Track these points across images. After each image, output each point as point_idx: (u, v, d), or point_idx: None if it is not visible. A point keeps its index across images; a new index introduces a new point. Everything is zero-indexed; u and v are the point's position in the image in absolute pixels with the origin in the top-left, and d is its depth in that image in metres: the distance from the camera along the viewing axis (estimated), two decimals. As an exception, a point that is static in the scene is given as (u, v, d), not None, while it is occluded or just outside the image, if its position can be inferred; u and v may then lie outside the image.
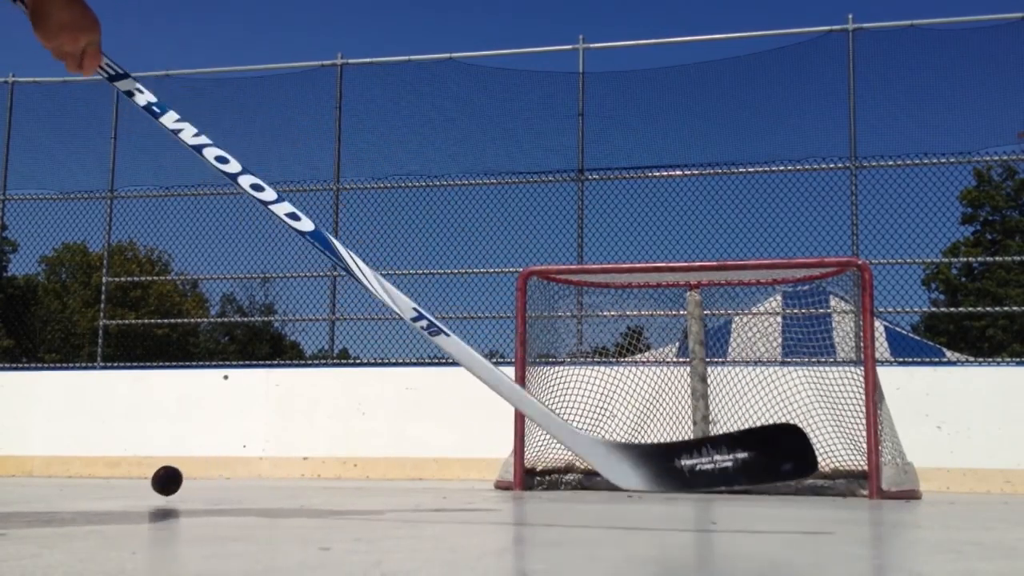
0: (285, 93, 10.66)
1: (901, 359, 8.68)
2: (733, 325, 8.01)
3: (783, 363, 7.01)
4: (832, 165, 9.23)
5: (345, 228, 10.13)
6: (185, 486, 4.30)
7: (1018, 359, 13.11)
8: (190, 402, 9.25)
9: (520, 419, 6.39)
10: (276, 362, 13.78)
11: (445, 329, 2.64)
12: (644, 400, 6.85)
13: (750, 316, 7.79)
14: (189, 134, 2.68)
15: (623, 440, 6.72)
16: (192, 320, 26.99)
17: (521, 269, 7.21)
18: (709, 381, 6.55)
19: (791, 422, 6.31)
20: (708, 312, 7.02)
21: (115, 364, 10.41)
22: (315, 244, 2.73)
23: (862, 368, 6.15)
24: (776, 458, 2.55)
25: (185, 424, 9.14)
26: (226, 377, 9.36)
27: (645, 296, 7.33)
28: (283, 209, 2.76)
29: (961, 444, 7.70)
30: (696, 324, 6.64)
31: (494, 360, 10.19)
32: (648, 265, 7.28)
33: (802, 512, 4.10)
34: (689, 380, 6.62)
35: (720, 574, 1.91)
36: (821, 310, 7.52)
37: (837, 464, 6.14)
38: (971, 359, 11.56)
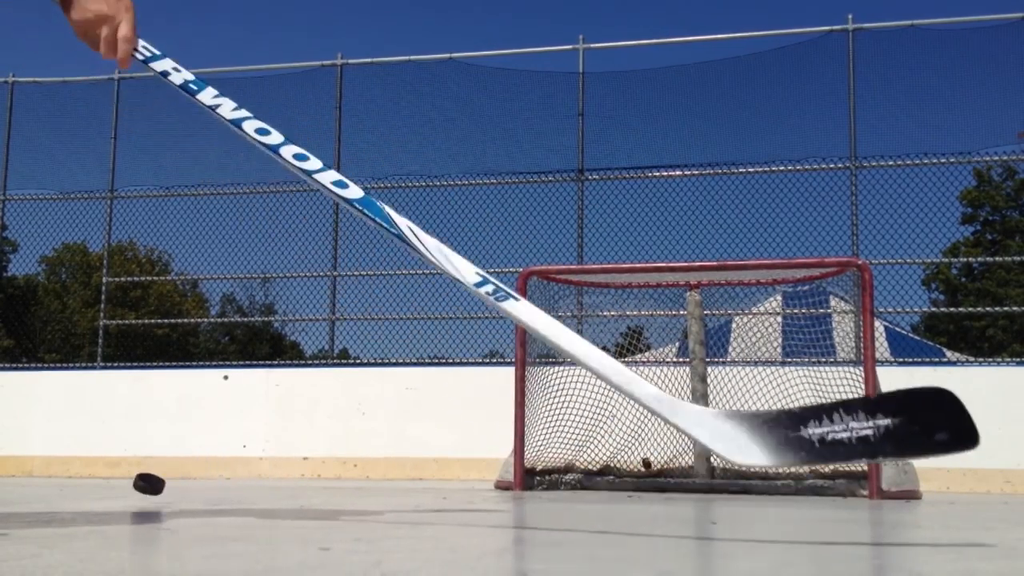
0: (285, 93, 10.66)
1: (901, 359, 8.69)
2: (733, 325, 8.01)
3: (783, 363, 7.00)
4: (832, 165, 9.23)
5: (345, 228, 10.13)
6: (185, 486, 4.30)
7: (1018, 359, 13.11)
8: (190, 402, 9.25)
9: (520, 419, 6.39)
10: (276, 362, 13.79)
11: (514, 293, 2.38)
12: (644, 400, 6.84)
13: (750, 316, 7.79)
14: (228, 108, 2.62)
15: (627, 440, 6.73)
16: (192, 320, 27.00)
17: (521, 269, 7.21)
18: (709, 381, 6.55)
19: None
20: (708, 312, 7.01)
21: (115, 364, 10.42)
22: (364, 212, 2.52)
23: (862, 368, 6.14)
24: (928, 427, 2.25)
25: (185, 424, 9.14)
26: (226, 377, 9.36)
27: (645, 296, 7.33)
28: (329, 177, 2.54)
29: (961, 444, 7.70)
30: (696, 324, 6.64)
31: (494, 360, 10.18)
32: (648, 265, 7.28)
33: (802, 512, 4.10)
34: (689, 380, 6.62)
35: (720, 574, 1.91)
36: (821, 310, 7.52)
37: (837, 464, 6.14)
38: (971, 359, 11.57)
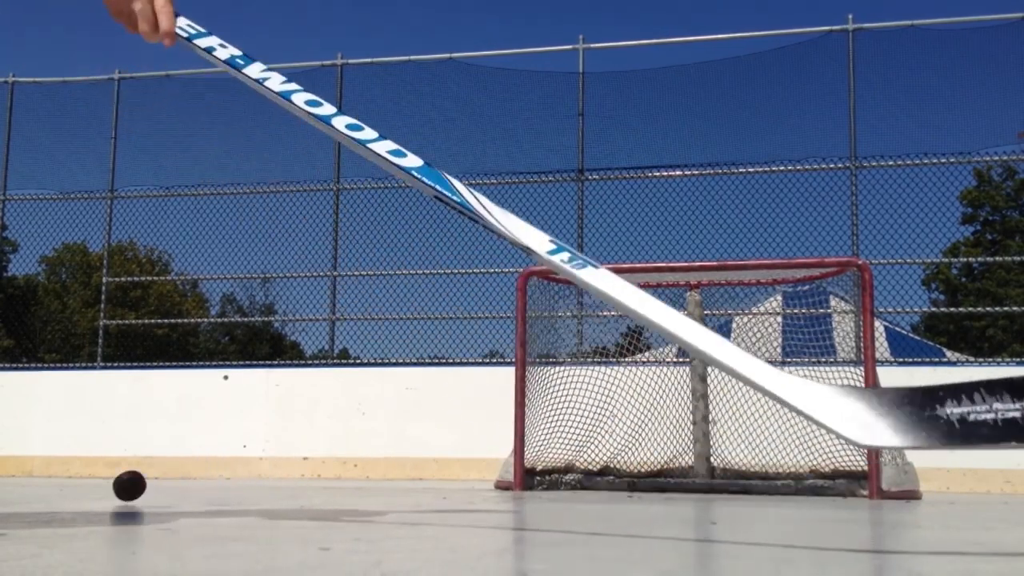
0: (285, 93, 10.65)
1: (901, 359, 8.69)
2: (733, 325, 8.01)
3: (783, 363, 7.00)
4: (832, 165, 9.23)
5: (345, 228, 10.13)
6: (185, 486, 4.30)
7: (1018, 359, 13.10)
8: (190, 402, 9.26)
9: (520, 419, 6.39)
10: (276, 362, 13.79)
11: (592, 261, 2.21)
12: (644, 400, 6.85)
13: (750, 316, 7.79)
14: (277, 82, 2.51)
15: (627, 440, 6.73)
16: (192, 320, 27.00)
17: (521, 269, 7.21)
18: (709, 381, 6.55)
19: (792, 420, 6.32)
20: (708, 312, 7.01)
21: (115, 364, 10.42)
22: (423, 181, 2.37)
23: (862, 368, 6.15)
24: None
25: (185, 424, 9.14)
26: (226, 377, 9.36)
27: (645, 296, 7.32)
28: (385, 147, 2.44)
29: (961, 444, 7.69)
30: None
31: (494, 360, 10.18)
32: (648, 265, 7.28)
33: (802, 512, 4.10)
34: (689, 380, 6.62)
35: (720, 574, 1.91)
36: (821, 310, 7.52)
37: (837, 464, 6.14)
38: (971, 359, 11.57)
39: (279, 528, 2.77)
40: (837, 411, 1.96)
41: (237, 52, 2.57)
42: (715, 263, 6.72)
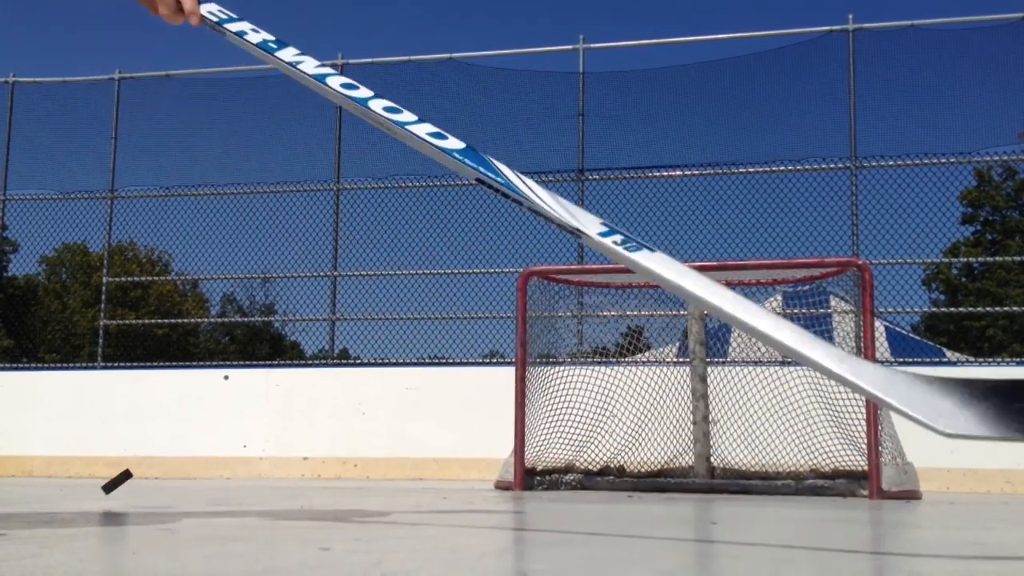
0: (285, 93, 10.66)
1: (901, 359, 8.69)
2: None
3: (783, 363, 7.00)
4: (832, 165, 9.23)
5: (345, 228, 10.13)
6: (185, 486, 4.30)
7: (1018, 359, 13.10)
8: (190, 402, 9.25)
9: (520, 419, 6.39)
10: (276, 362, 13.78)
11: (647, 244, 2.10)
12: (644, 400, 6.85)
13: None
14: (311, 65, 2.46)
15: (627, 440, 6.73)
16: (192, 320, 27.00)
17: (521, 269, 7.21)
18: (709, 381, 6.55)
19: (792, 420, 6.33)
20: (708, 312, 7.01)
21: (115, 364, 10.42)
22: (465, 163, 2.29)
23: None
24: None
25: (185, 424, 9.14)
26: (226, 377, 9.36)
27: (645, 296, 7.33)
28: (424, 129, 2.34)
29: (961, 444, 7.66)
30: (696, 324, 6.64)
31: (494, 360, 10.17)
32: (648, 265, 7.26)
33: (802, 512, 4.10)
34: (689, 380, 6.62)
35: (720, 574, 1.92)
36: (821, 310, 7.52)
37: (837, 464, 6.14)
38: (971, 359, 11.57)
39: (279, 528, 2.77)
40: (915, 398, 1.86)
41: (270, 37, 2.52)
42: (715, 263, 6.72)
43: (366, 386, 9.05)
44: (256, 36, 2.51)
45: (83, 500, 4.22)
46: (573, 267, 8.40)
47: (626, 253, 2.07)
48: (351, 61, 10.21)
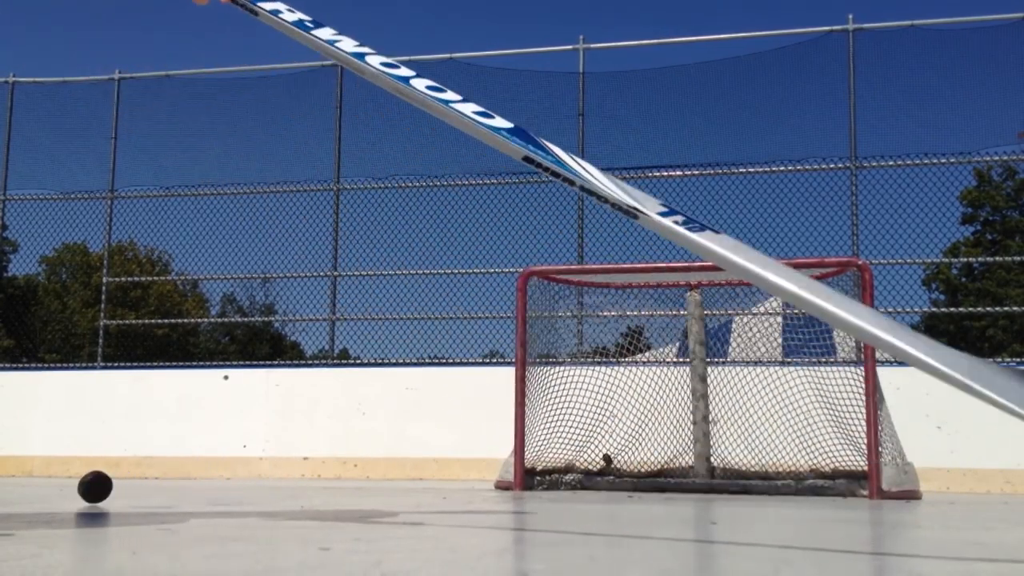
0: (285, 93, 10.66)
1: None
2: (733, 325, 8.01)
3: (783, 363, 7.00)
4: (832, 165, 9.23)
5: (345, 228, 10.13)
6: (185, 486, 4.30)
7: (1018, 359, 13.10)
8: (190, 402, 9.25)
9: (520, 419, 6.39)
10: (276, 362, 13.78)
11: (709, 225, 1.97)
12: (644, 400, 6.85)
13: (750, 316, 7.79)
14: (349, 44, 2.38)
15: (627, 440, 6.72)
16: (192, 320, 27.00)
17: (521, 269, 7.20)
18: (709, 381, 6.55)
19: (792, 420, 6.33)
20: (708, 312, 7.01)
21: (115, 364, 10.42)
22: (514, 141, 2.20)
23: (862, 368, 6.15)
24: None
25: (185, 424, 9.14)
26: (226, 377, 9.36)
27: (645, 296, 7.33)
28: (470, 108, 2.26)
29: (961, 444, 7.70)
30: (696, 324, 6.64)
31: (494, 360, 10.15)
32: (648, 265, 7.27)
33: (802, 512, 4.10)
34: (689, 380, 6.62)
35: (720, 574, 1.92)
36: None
37: (837, 464, 6.14)
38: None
39: (279, 528, 2.77)
40: (1012, 390, 1.73)
41: (306, 17, 2.45)
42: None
43: (366, 386, 9.05)
44: (291, 15, 2.43)
45: (83, 500, 4.22)
46: (573, 267, 8.41)
47: (689, 234, 1.93)
48: (351, 61, 10.20)
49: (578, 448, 6.67)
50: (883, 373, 6.36)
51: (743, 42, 10.45)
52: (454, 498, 4.85)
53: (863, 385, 6.06)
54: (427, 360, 10.07)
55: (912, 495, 5.81)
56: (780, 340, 7.47)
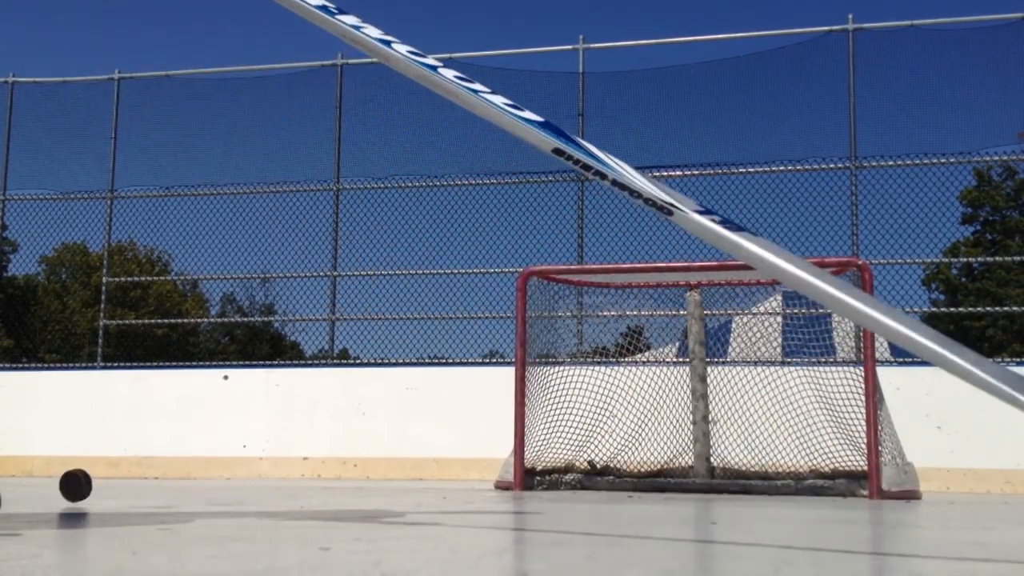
0: (285, 93, 10.66)
1: (901, 359, 8.69)
2: (733, 325, 8.01)
3: (783, 363, 7.00)
4: (832, 165, 9.23)
5: (345, 228, 10.13)
6: (185, 486, 4.31)
7: (1018, 359, 13.11)
8: (190, 402, 9.25)
9: (520, 419, 6.39)
10: (276, 362, 13.78)
11: (748, 228, 1.93)
12: (644, 400, 6.85)
13: (750, 316, 7.79)
14: (374, 32, 2.34)
15: (627, 440, 6.72)
16: (192, 320, 27.00)
17: (521, 269, 7.20)
18: (709, 381, 6.55)
19: (792, 420, 6.33)
20: (708, 312, 7.01)
21: (115, 364, 10.42)
22: (545, 133, 2.14)
23: (862, 368, 6.15)
24: None
25: (185, 424, 9.14)
26: (226, 377, 9.36)
27: (645, 296, 7.33)
28: (499, 100, 2.21)
29: (961, 444, 7.70)
30: (696, 324, 6.64)
31: (494, 360, 10.15)
32: (648, 265, 7.28)
33: (802, 512, 4.10)
34: (689, 380, 6.62)
35: (720, 574, 1.92)
36: (821, 310, 7.51)
37: (837, 464, 6.14)
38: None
39: (279, 528, 2.77)
40: None
41: (329, 3, 2.38)
42: (715, 263, 6.72)
43: (366, 386, 9.05)
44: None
45: (83, 500, 4.22)
46: (573, 267, 8.41)
47: (727, 233, 1.89)
48: (351, 61, 10.21)
49: (578, 448, 6.67)
50: (883, 373, 6.36)
51: (743, 42, 10.45)
52: (454, 498, 4.85)
53: (863, 385, 6.06)
54: (427, 360, 10.07)
55: (912, 495, 5.81)
56: (780, 340, 7.47)
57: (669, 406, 6.80)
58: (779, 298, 7.97)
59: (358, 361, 10.54)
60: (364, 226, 10.23)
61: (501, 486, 6.37)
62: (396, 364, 9.73)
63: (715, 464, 6.43)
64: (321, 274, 10.18)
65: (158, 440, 9.09)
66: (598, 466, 6.51)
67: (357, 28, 2.32)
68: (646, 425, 6.77)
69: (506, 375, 6.73)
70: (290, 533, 2.58)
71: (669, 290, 6.99)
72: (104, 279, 10.86)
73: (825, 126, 9.53)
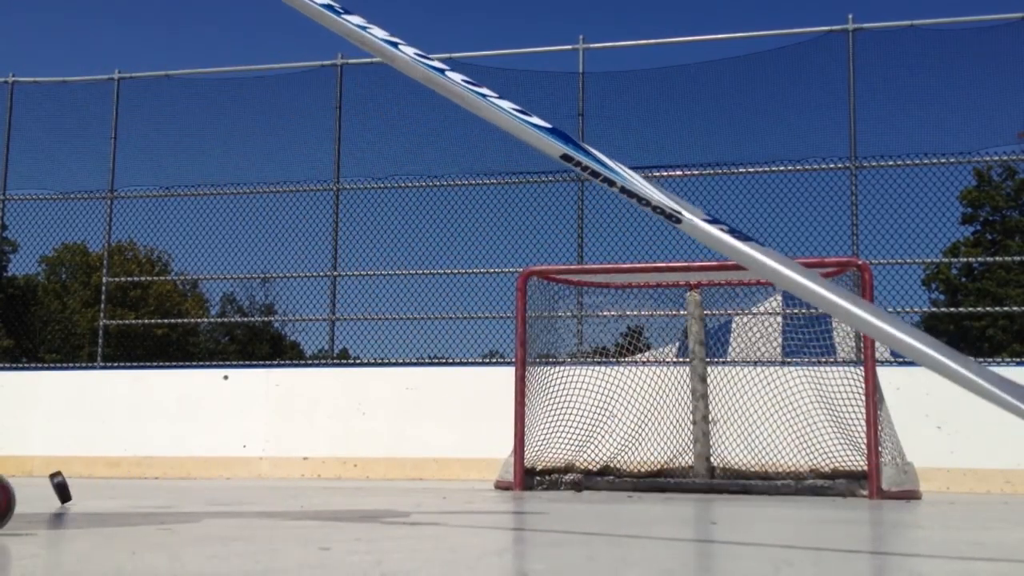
0: (285, 93, 10.66)
1: (901, 359, 8.69)
2: (733, 325, 8.01)
3: (783, 363, 7.00)
4: (832, 165, 9.23)
5: (345, 228, 10.13)
6: (185, 486, 4.31)
7: (1018, 359, 13.10)
8: (190, 402, 9.25)
9: (520, 419, 6.39)
10: (276, 362, 13.78)
11: (753, 237, 1.97)
12: (644, 400, 6.85)
13: (750, 316, 7.79)
14: (380, 33, 2.33)
15: (627, 440, 6.72)
16: (192, 320, 27.00)
17: (521, 269, 7.20)
18: (709, 381, 6.55)
19: (792, 420, 6.33)
20: (708, 312, 7.01)
21: (115, 364, 10.41)
22: (552, 139, 2.14)
23: (862, 368, 6.15)
24: None
25: (185, 424, 9.14)
26: (226, 377, 9.36)
27: (645, 296, 7.33)
28: (507, 104, 2.21)
29: (961, 444, 7.70)
30: (696, 324, 6.64)
31: (494, 360, 10.15)
32: (648, 265, 7.28)
33: (802, 512, 4.10)
34: (689, 380, 6.62)
35: (720, 574, 1.92)
36: (821, 310, 7.50)
37: (837, 464, 6.14)
38: (971, 359, 11.57)
39: (279, 528, 2.77)
40: None
41: (335, 3, 2.39)
42: (715, 263, 6.71)
43: (366, 386, 9.05)
44: None
45: (83, 500, 4.22)
46: (573, 267, 8.41)
47: (735, 243, 1.92)
48: (351, 61, 10.21)
49: (578, 448, 6.67)
50: (883, 373, 6.36)
51: (743, 42, 10.45)
52: (454, 498, 4.85)
53: (863, 385, 6.06)
54: (427, 360, 10.07)
55: (912, 495, 5.80)
56: (780, 340, 7.47)
57: (669, 406, 6.79)
58: (779, 298, 7.97)
59: (358, 361, 10.54)
60: (364, 226, 10.24)
61: (501, 486, 6.37)
62: (396, 364, 9.73)
63: (715, 464, 6.43)
64: (321, 274, 10.18)
65: (158, 440, 9.09)
66: (582, 488, 6.42)
67: (363, 28, 2.32)
68: (646, 425, 6.77)
69: (506, 375, 6.73)
70: (290, 533, 2.58)
71: (669, 290, 6.98)
72: (104, 279, 10.86)
73: (825, 126, 9.53)
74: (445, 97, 2.34)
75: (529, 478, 6.35)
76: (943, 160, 9.09)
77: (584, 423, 6.71)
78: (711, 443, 6.47)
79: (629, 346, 7.74)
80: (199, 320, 27.21)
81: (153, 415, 9.23)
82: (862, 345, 6.16)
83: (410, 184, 10.12)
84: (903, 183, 9.18)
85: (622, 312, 7.88)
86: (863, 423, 5.94)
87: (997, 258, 26.77)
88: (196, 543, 2.24)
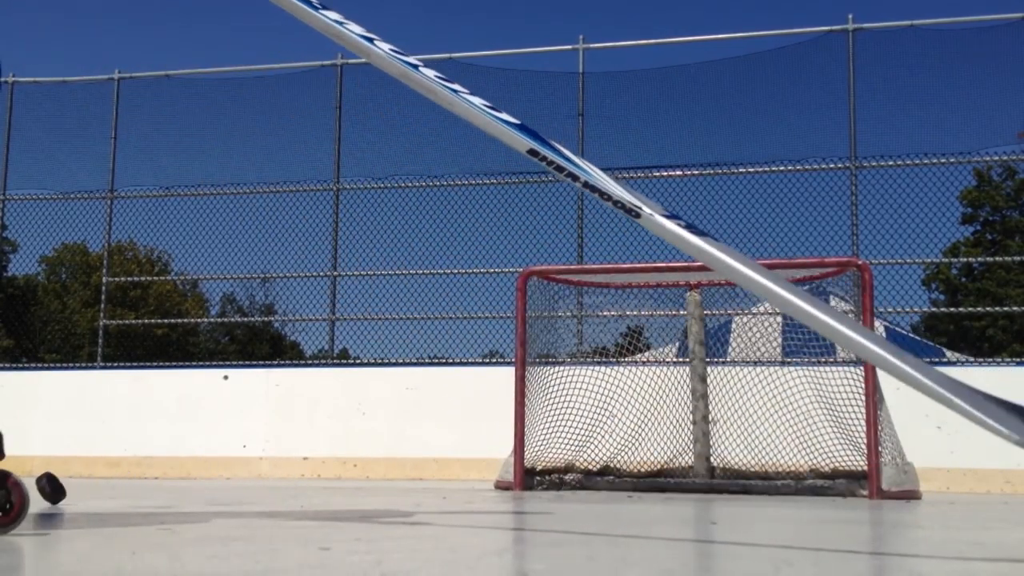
0: (285, 93, 10.66)
1: (901, 359, 8.69)
2: (733, 325, 8.01)
3: (783, 363, 7.00)
4: (832, 165, 9.23)
5: (345, 228, 10.13)
6: (185, 486, 4.31)
7: (1018, 359, 13.10)
8: (190, 402, 9.25)
9: (520, 419, 6.39)
10: (276, 362, 13.78)
11: (709, 232, 2.04)
12: (644, 400, 6.85)
13: (750, 316, 7.79)
14: (357, 29, 2.36)
15: (627, 440, 6.72)
16: (192, 320, 27.00)
17: (521, 269, 7.20)
18: (709, 381, 6.55)
19: (791, 420, 6.33)
20: (708, 312, 7.01)
21: (115, 364, 10.41)
22: (520, 135, 2.21)
23: (862, 368, 6.15)
24: None
25: (185, 424, 9.14)
26: (226, 377, 9.36)
27: (645, 296, 7.33)
28: (478, 100, 2.29)
29: (961, 444, 7.69)
30: (696, 324, 6.64)
31: (494, 360, 10.15)
32: (648, 265, 7.27)
33: (802, 512, 4.10)
34: (689, 380, 6.62)
35: (720, 574, 1.92)
36: (775, 307, 7.49)
37: (837, 464, 6.14)
38: (971, 359, 11.55)
39: (279, 528, 2.77)
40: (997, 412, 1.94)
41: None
42: (715, 263, 6.70)
43: (366, 386, 9.05)
44: None
45: (83, 500, 4.22)
46: (573, 267, 8.41)
47: (690, 237, 1.98)
48: (351, 61, 10.21)
49: (578, 448, 6.67)
50: (883, 373, 6.35)
51: (743, 42, 10.44)
52: (454, 498, 4.86)
53: (863, 385, 6.06)
54: (427, 360, 10.07)
55: (912, 495, 5.81)
56: (780, 340, 7.47)
57: (669, 406, 6.80)
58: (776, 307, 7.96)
59: (358, 361, 10.54)
60: (364, 226, 10.23)
61: (501, 486, 6.38)
62: (396, 364, 9.73)
63: (715, 464, 6.43)
64: (321, 274, 10.18)
65: (158, 440, 9.09)
66: (572, 481, 6.45)
67: (340, 24, 2.33)
68: (646, 425, 6.77)
69: (506, 375, 6.72)
70: (290, 533, 2.58)
71: (669, 290, 6.99)
72: (104, 279, 10.86)
73: (825, 126, 9.53)
74: (422, 94, 2.35)
75: (529, 478, 6.35)
76: (943, 160, 9.08)
77: (584, 423, 6.71)
78: (711, 443, 6.47)
79: (629, 346, 7.74)
80: (199, 320, 27.21)
81: (153, 415, 9.23)
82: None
83: (410, 184, 10.12)
84: (903, 183, 9.18)
85: (622, 312, 7.89)
86: (863, 423, 5.94)
87: (997, 258, 26.77)
88: (196, 543, 2.24)
